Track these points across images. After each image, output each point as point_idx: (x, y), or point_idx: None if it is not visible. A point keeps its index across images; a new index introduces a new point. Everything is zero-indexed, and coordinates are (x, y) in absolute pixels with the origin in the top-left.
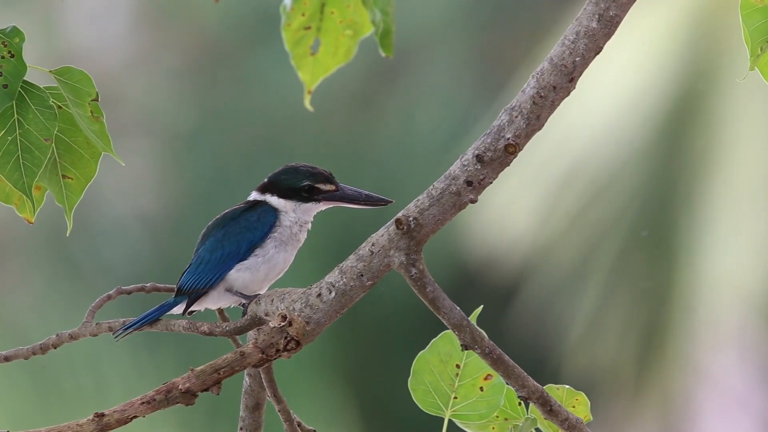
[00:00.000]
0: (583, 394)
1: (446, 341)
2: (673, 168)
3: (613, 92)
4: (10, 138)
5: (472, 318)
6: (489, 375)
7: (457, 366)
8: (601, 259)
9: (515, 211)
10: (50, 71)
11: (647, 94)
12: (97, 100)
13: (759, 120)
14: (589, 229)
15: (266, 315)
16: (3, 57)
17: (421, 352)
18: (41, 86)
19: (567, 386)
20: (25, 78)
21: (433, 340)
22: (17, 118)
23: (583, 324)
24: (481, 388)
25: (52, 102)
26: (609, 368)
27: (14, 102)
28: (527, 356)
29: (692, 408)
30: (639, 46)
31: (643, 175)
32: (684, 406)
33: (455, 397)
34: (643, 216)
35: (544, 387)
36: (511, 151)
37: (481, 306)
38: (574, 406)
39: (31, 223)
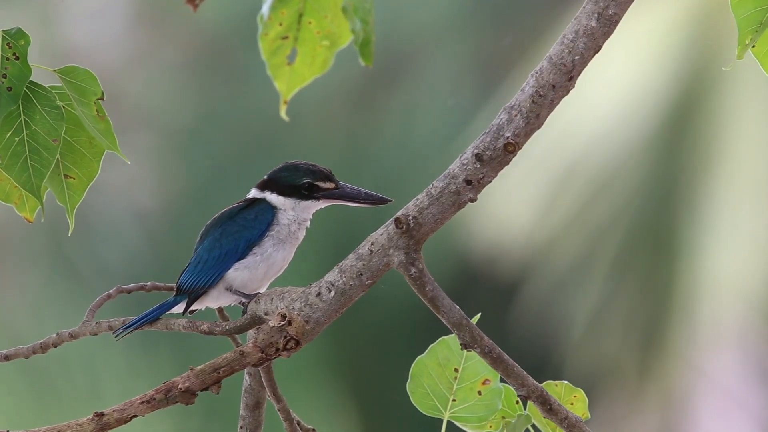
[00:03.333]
0: (582, 390)
1: (444, 346)
2: (673, 166)
3: (613, 90)
4: (17, 139)
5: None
6: (487, 380)
7: (456, 370)
8: (602, 257)
9: (516, 208)
10: (55, 70)
11: (647, 92)
12: (103, 99)
13: (760, 118)
14: (590, 227)
15: (266, 314)
16: (8, 59)
17: (420, 356)
18: (46, 86)
19: (566, 382)
20: (30, 78)
21: (431, 345)
22: (24, 119)
23: (584, 322)
24: (479, 392)
25: (59, 102)
26: (610, 366)
27: (20, 103)
28: (529, 354)
29: (692, 406)
30: (638, 44)
31: (644, 173)
32: (684, 405)
33: (454, 400)
34: (644, 214)
35: (542, 384)
36: (510, 149)
37: (479, 314)
38: (572, 403)
39: (30, 222)
